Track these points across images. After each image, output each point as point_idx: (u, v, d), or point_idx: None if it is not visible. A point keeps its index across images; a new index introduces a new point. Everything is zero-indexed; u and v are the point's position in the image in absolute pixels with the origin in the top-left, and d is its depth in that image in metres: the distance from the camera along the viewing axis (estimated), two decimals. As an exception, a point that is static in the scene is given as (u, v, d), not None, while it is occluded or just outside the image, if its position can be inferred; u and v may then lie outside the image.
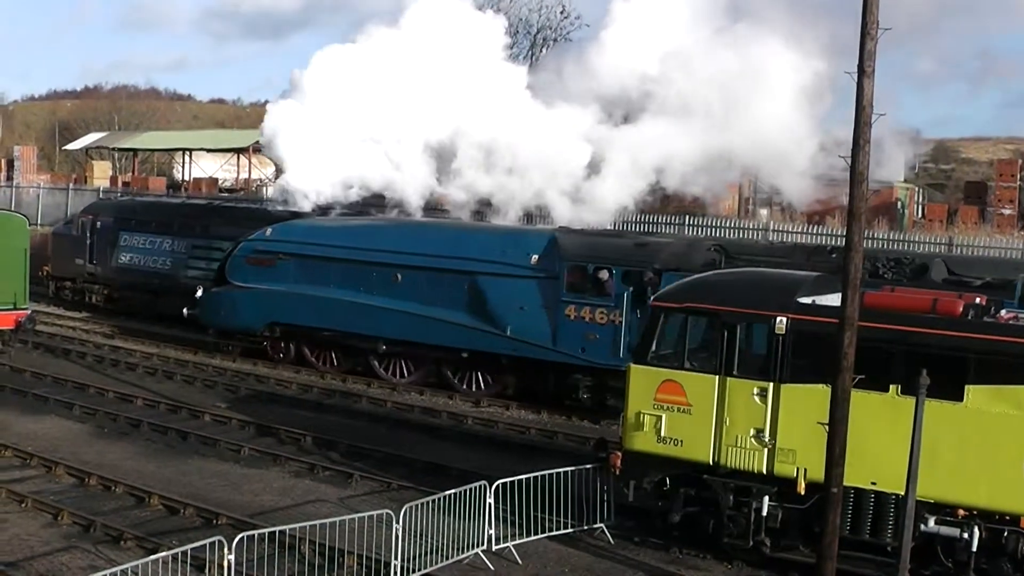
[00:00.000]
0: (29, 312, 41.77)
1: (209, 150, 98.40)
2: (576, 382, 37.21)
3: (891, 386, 21.00)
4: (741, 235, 52.34)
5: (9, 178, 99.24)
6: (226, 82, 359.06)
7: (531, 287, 37.88)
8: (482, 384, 39.62)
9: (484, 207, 46.89)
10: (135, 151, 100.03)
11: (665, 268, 35.24)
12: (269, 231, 44.86)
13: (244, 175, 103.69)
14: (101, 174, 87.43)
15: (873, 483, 21.14)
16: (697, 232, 52.83)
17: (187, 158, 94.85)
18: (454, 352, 39.50)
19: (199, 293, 45.65)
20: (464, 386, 39.71)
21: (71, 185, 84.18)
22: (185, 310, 43.50)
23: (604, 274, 36.32)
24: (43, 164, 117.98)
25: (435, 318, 39.41)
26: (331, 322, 41.78)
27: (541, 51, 78.75)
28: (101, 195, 72.34)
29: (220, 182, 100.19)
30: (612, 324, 36.22)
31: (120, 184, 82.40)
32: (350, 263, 41.43)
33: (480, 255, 38.83)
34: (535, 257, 37.95)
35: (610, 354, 35.75)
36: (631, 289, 35.85)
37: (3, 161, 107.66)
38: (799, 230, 53.92)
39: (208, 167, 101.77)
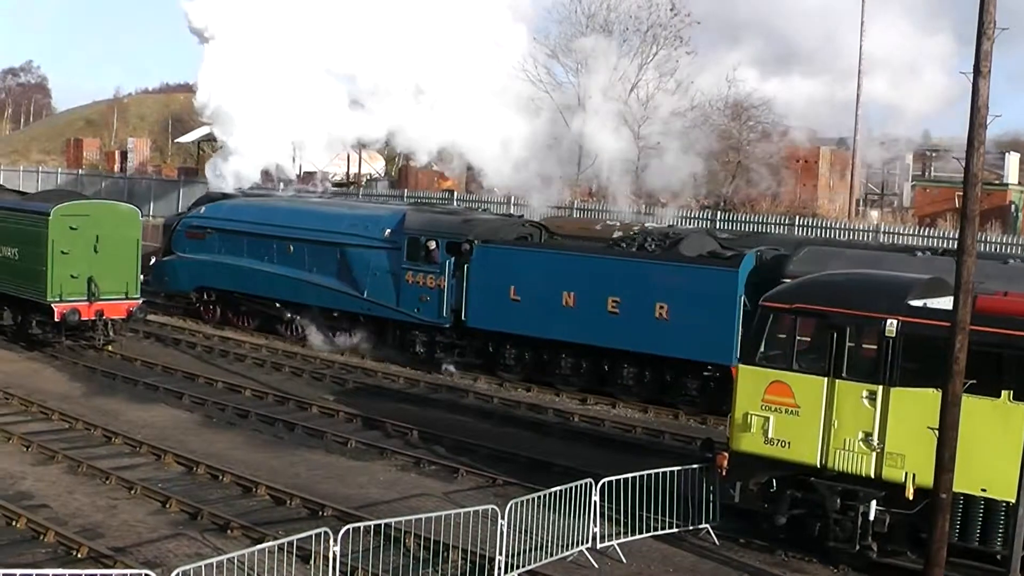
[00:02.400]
0: (140, 302, 42.31)
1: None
2: (414, 338, 43.57)
3: (1003, 392, 20.70)
4: (851, 236, 51.88)
5: (123, 169, 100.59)
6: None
7: (382, 257, 44.56)
8: (348, 338, 45.85)
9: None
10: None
11: (478, 239, 41.56)
12: (203, 209, 53.01)
13: (354, 169, 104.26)
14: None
15: (983, 490, 20.87)
16: (806, 233, 52.46)
17: (297, 152, 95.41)
18: (327, 312, 46.43)
19: (152, 262, 51.86)
20: (338, 340, 46.06)
21: (183, 177, 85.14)
22: (142, 275, 45.53)
23: (432, 244, 42.65)
24: (155, 156, 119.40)
25: (314, 283, 46.61)
26: (242, 287, 49.01)
27: (652, 49, 78.43)
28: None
29: (331, 176, 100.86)
30: (438, 288, 42.44)
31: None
32: (257, 236, 48.93)
33: (348, 230, 45.50)
34: (387, 231, 44.69)
35: (436, 314, 42.48)
36: (452, 258, 42.14)
37: (117, 152, 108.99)
38: (910, 232, 53.43)
39: (318, 162, 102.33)
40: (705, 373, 36.74)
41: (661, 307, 36.92)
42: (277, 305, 48.03)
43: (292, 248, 47.41)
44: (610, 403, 37.48)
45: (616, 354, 38.39)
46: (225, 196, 55.33)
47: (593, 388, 39.10)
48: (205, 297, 51.06)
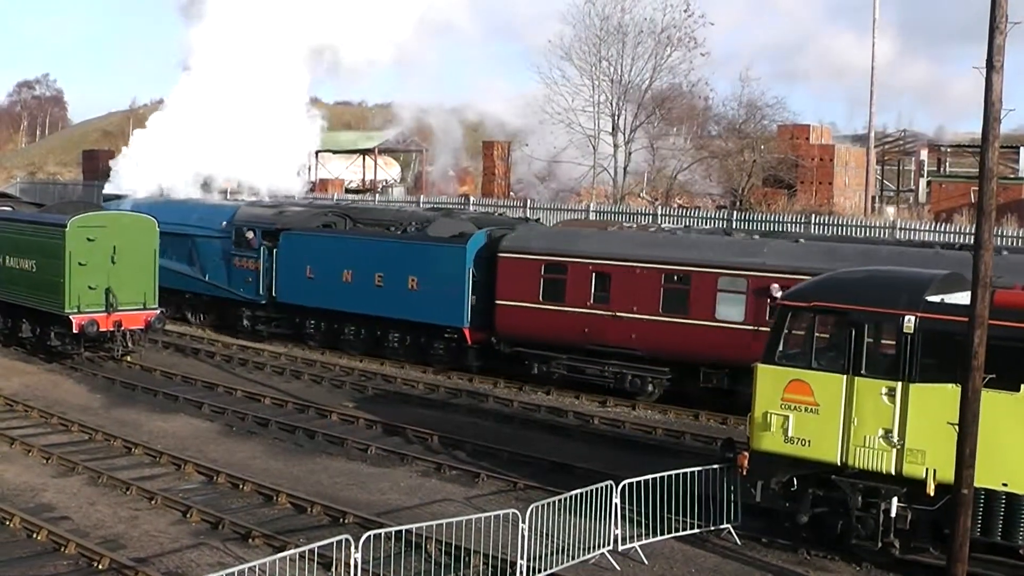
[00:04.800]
0: (159, 312, 42.39)
1: (335, 151, 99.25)
2: (241, 314, 50.62)
3: (1022, 386, 20.64)
4: (868, 233, 51.79)
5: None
6: (349, 83, 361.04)
7: (219, 245, 51.34)
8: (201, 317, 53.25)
9: None
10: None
11: (285, 228, 48.84)
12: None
13: (370, 176, 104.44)
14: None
15: (1004, 484, 20.81)
16: (823, 230, 52.38)
17: (314, 160, 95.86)
18: (181, 295, 52.52)
19: None
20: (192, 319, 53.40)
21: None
22: None
23: (251, 234, 49.90)
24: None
25: (177, 271, 52.10)
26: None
27: (666, 50, 78.41)
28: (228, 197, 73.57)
29: (346, 183, 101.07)
30: (257, 270, 49.54)
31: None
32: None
33: (196, 222, 50.75)
34: (224, 223, 51.59)
35: (255, 292, 49.63)
36: (267, 244, 49.20)
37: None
38: (926, 227, 53.28)
39: (335, 168, 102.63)
40: (446, 335, 43.26)
41: (413, 280, 43.85)
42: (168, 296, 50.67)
43: (169, 242, 48.83)
44: (630, 405, 37.50)
45: (384, 321, 45.18)
46: (117, 197, 61.72)
47: (371, 352, 45.82)
48: None
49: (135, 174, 63.87)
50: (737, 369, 34.77)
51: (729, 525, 24.37)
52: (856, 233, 52.05)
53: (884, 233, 51.64)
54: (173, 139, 63.74)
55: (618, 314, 38.20)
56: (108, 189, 66.66)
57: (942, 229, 51.77)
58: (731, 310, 36.14)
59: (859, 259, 33.32)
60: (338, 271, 46.12)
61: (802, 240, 38.13)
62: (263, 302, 49.41)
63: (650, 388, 38.32)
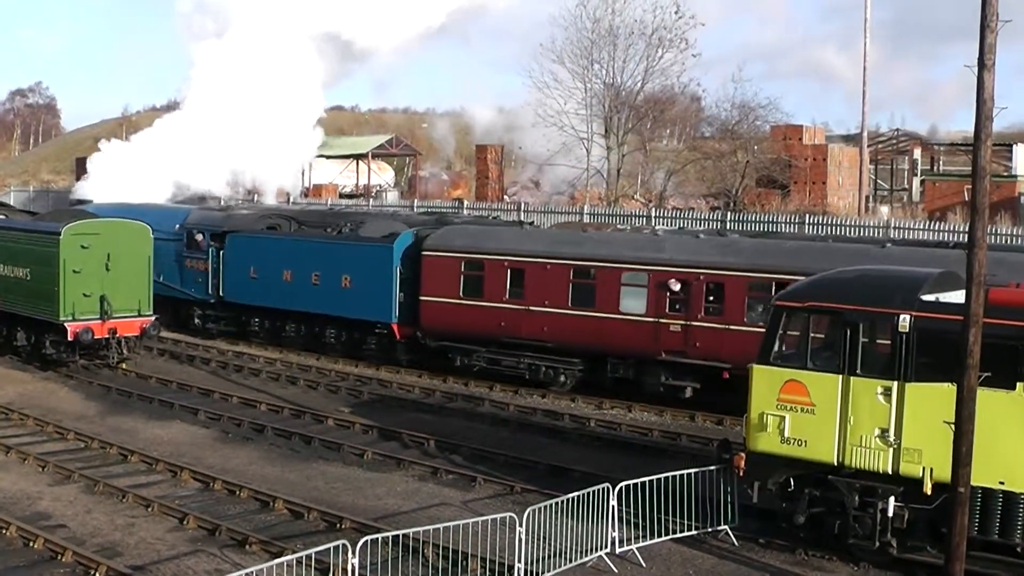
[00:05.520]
0: (153, 319, 42.35)
1: (329, 156, 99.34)
2: (192, 313, 52.48)
3: (1018, 384, 20.66)
4: (861, 233, 51.86)
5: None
6: (344, 89, 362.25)
7: (172, 247, 52.26)
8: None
9: None
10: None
11: (231, 230, 50.75)
12: None
13: (363, 180, 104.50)
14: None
15: (1001, 482, 20.82)
16: (816, 231, 52.46)
17: (307, 164, 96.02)
18: None
19: None
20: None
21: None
22: None
23: (200, 236, 51.67)
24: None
25: None
26: None
27: (658, 52, 78.49)
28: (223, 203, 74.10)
29: (340, 188, 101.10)
30: (206, 270, 51.36)
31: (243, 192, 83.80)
32: None
33: (155, 225, 46.97)
34: (177, 226, 53.05)
35: (204, 292, 51.34)
36: (215, 246, 51.03)
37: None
38: (920, 227, 53.33)
39: (328, 173, 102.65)
40: (376, 331, 45.23)
41: (346, 279, 45.88)
42: None
43: None
44: (626, 407, 37.51)
45: (322, 318, 47.13)
46: (80, 202, 64.45)
47: (309, 348, 47.78)
48: None
49: (105, 179, 67.52)
50: (642, 360, 37.86)
51: (726, 526, 24.37)
52: (850, 233, 52.10)
53: (877, 232, 51.67)
54: (157, 145, 68.11)
55: (531, 308, 40.39)
56: (76, 195, 70.50)
57: (936, 227, 51.81)
58: (634, 303, 38.04)
59: (751, 253, 36.75)
60: (279, 271, 48.36)
61: (702, 236, 40.23)
62: (212, 301, 51.62)
63: (562, 379, 40.12)
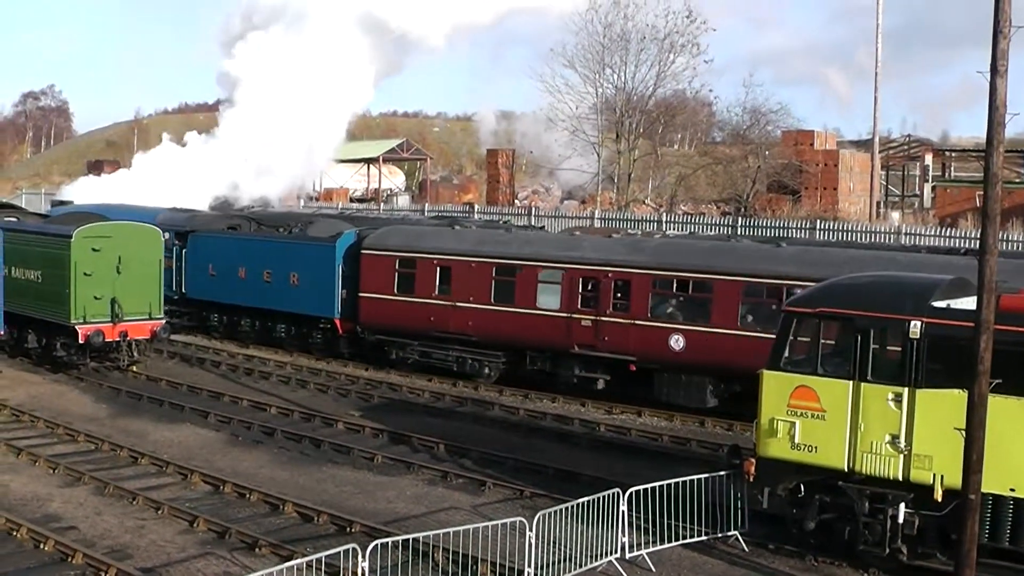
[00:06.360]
0: (164, 322, 42.39)
1: (340, 160, 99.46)
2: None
3: (1029, 391, 20.63)
4: (872, 239, 51.85)
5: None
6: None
7: None
8: None
9: None
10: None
11: (194, 230, 53.00)
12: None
13: (374, 185, 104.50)
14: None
15: (1012, 489, 20.77)
16: (828, 236, 52.48)
17: (321, 169, 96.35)
18: None
19: None
20: None
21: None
22: None
23: (166, 235, 48.89)
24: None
25: None
26: None
27: (669, 57, 78.50)
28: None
29: (351, 192, 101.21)
30: (171, 268, 51.63)
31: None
32: None
33: None
34: None
35: (169, 289, 49.99)
36: (178, 244, 53.32)
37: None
38: (931, 233, 53.29)
39: (339, 177, 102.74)
40: (321, 326, 47.81)
41: (294, 276, 48.31)
42: None
43: None
44: (636, 412, 37.50)
45: (273, 314, 49.63)
46: (62, 203, 67.65)
47: (265, 342, 50.13)
48: None
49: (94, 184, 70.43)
50: (557, 353, 40.19)
51: (736, 532, 24.34)
52: (861, 239, 52.08)
53: (889, 238, 51.65)
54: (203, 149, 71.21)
55: (457, 304, 42.78)
56: (57, 196, 74.00)
57: (947, 234, 51.77)
58: (550, 299, 40.35)
59: (655, 252, 39.09)
60: (235, 269, 51.05)
61: (615, 235, 42.81)
62: (176, 297, 52.93)
63: (487, 371, 42.60)
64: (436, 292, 43.29)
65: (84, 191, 71.16)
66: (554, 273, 40.18)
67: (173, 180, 69.15)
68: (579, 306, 39.47)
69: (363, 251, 45.74)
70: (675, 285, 37.83)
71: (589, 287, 39.40)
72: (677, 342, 37.03)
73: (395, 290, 44.51)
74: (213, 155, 70.67)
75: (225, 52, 79.24)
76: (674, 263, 37.88)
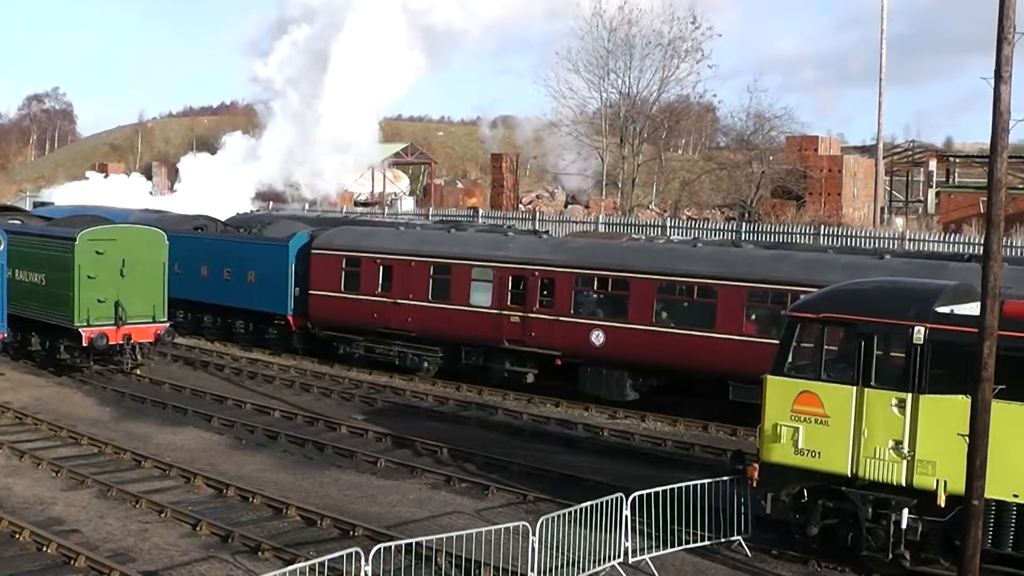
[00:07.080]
0: (168, 325, 42.41)
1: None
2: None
3: (1033, 396, 20.62)
4: (876, 244, 51.82)
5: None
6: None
7: None
8: None
9: None
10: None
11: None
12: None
13: (378, 189, 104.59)
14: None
15: (1015, 495, 20.78)
16: (833, 242, 52.48)
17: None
18: None
19: None
20: None
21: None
22: None
23: None
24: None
25: None
26: None
27: (674, 62, 78.55)
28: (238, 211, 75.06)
29: (355, 196, 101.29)
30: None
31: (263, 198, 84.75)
32: None
33: None
34: None
35: None
36: None
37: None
38: (935, 238, 53.27)
39: (344, 180, 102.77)
40: (275, 322, 49.94)
41: (251, 274, 50.34)
42: None
43: None
44: (639, 416, 37.52)
45: (233, 311, 52.05)
46: (43, 204, 68.38)
47: (226, 338, 52.32)
48: None
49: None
50: (489, 348, 42.31)
51: (739, 537, 24.33)
52: (865, 244, 52.07)
53: (892, 244, 51.64)
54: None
55: (398, 301, 44.75)
56: (38, 198, 76.04)
57: (951, 239, 51.74)
58: (482, 296, 42.48)
59: (576, 253, 41.08)
60: (198, 267, 52.33)
61: (545, 235, 45.96)
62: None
63: (426, 365, 44.51)
64: (379, 290, 45.34)
65: (68, 193, 73.36)
66: (486, 272, 42.30)
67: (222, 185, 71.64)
68: (509, 303, 41.47)
69: (313, 250, 47.85)
70: (595, 283, 39.98)
71: (519, 285, 41.34)
72: (598, 337, 38.78)
73: (342, 288, 46.53)
74: (264, 157, 72.12)
75: (255, 53, 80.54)
76: (595, 262, 39.94)
